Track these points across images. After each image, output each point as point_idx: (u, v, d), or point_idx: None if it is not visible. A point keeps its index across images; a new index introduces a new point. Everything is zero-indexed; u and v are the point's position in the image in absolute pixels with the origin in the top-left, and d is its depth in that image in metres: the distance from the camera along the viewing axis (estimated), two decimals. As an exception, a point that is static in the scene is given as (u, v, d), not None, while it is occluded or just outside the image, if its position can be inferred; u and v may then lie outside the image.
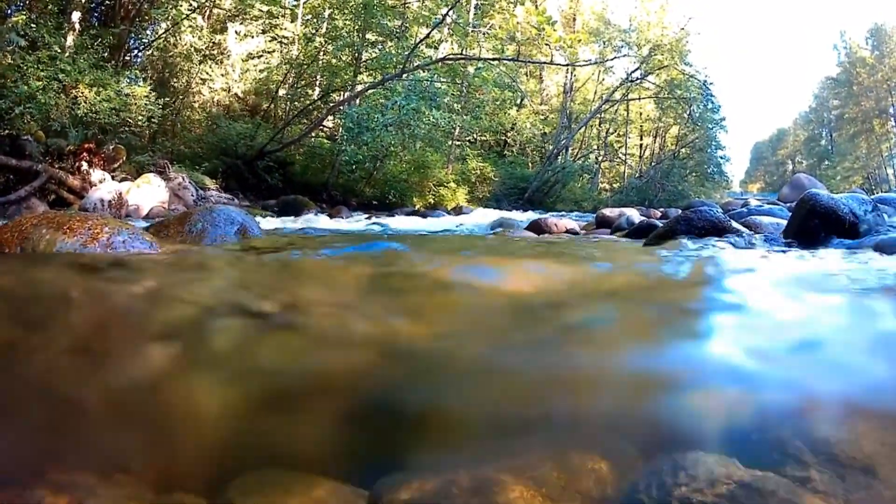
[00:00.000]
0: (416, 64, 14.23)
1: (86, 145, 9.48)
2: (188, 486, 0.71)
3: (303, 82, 17.67)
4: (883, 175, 40.58)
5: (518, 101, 26.18)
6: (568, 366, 1.10)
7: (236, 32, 16.76)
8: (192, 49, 15.20)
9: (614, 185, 29.22)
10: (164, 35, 14.85)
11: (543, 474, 0.76)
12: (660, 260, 2.49)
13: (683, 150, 26.99)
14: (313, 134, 16.52)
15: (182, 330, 1.21)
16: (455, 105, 18.43)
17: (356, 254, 2.83)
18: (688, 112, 25.73)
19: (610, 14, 29.00)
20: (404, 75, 14.04)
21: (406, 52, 13.97)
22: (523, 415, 0.93)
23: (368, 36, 15.81)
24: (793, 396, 0.94)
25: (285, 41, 17.60)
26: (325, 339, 1.21)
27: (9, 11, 9.92)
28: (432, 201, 17.93)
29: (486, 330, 1.31)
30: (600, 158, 28.19)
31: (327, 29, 16.49)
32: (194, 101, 16.30)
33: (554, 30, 17.10)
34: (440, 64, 15.13)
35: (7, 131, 8.72)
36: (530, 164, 26.63)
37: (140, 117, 10.64)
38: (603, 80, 28.08)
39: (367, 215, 11.31)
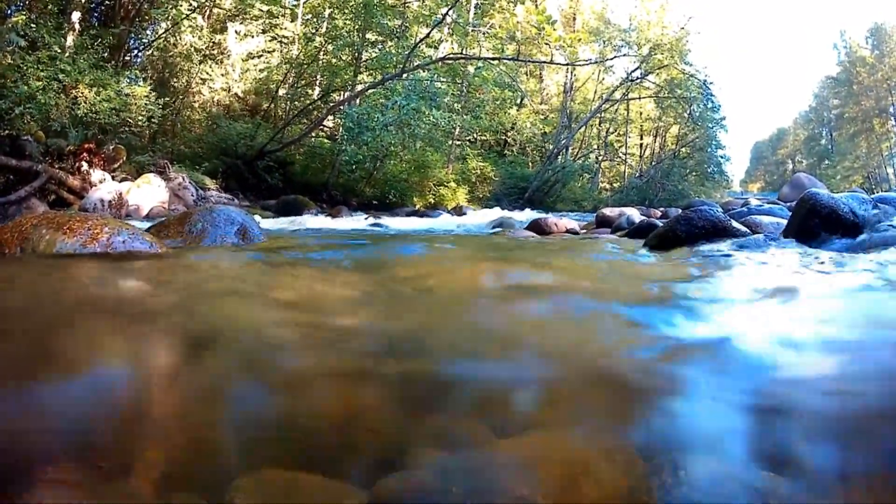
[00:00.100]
0: (416, 63, 14.24)
1: (86, 145, 9.48)
2: (190, 485, 0.71)
3: (303, 82, 17.67)
4: (883, 174, 40.59)
5: (518, 101, 26.18)
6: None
7: (236, 32, 16.77)
8: (192, 49, 15.20)
9: (614, 185, 29.24)
10: (164, 35, 14.86)
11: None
12: (660, 259, 2.49)
13: (683, 149, 26.99)
14: (313, 134, 16.53)
15: (183, 330, 1.21)
16: (455, 105, 18.44)
17: (356, 254, 2.83)
18: (688, 111, 25.72)
19: (610, 13, 29.06)
20: (404, 75, 14.05)
21: (406, 52, 13.97)
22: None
23: (368, 35, 15.81)
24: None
25: (285, 41, 17.60)
26: (329, 341, 1.21)
27: (9, 11, 9.92)
28: (433, 201, 17.94)
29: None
30: (600, 158, 28.19)
31: (327, 28, 16.49)
32: (194, 101, 16.30)
33: (554, 29, 17.11)
34: (440, 63, 15.14)
35: (7, 131, 8.73)
36: (530, 164, 26.63)
37: (140, 117, 10.64)
38: (603, 79, 28.08)
39: (367, 215, 11.31)
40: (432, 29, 14.80)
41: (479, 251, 3.18)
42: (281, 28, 17.55)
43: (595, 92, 27.68)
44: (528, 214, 10.80)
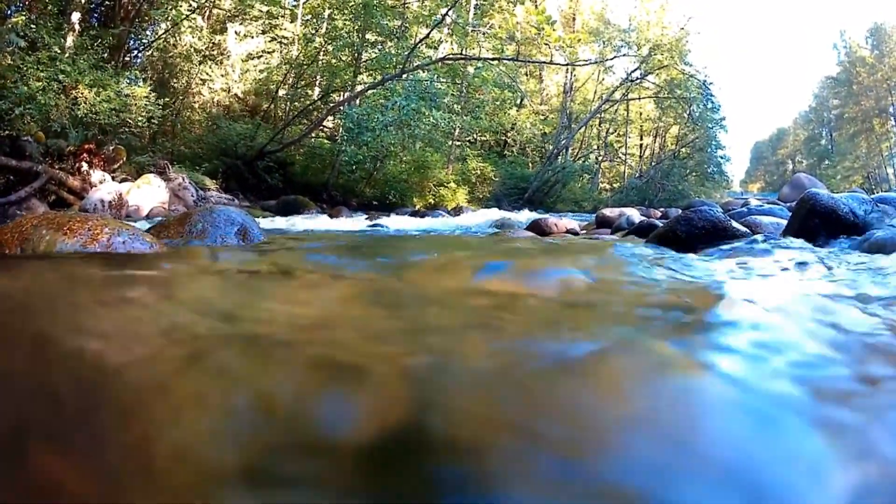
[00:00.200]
0: (415, 64, 14.26)
1: (86, 146, 9.49)
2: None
3: (303, 83, 17.69)
4: (883, 174, 40.64)
5: (518, 101, 26.20)
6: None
7: (236, 33, 16.79)
8: (192, 49, 15.23)
9: (614, 185, 29.27)
10: (163, 35, 14.87)
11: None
12: (659, 259, 2.49)
13: (683, 149, 27.02)
14: (313, 134, 16.55)
15: (185, 331, 1.21)
16: (455, 105, 18.46)
17: (356, 253, 2.84)
18: (688, 112, 25.75)
19: (609, 14, 29.06)
20: (404, 75, 14.06)
21: (406, 53, 13.99)
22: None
23: (368, 36, 15.83)
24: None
25: (285, 41, 17.64)
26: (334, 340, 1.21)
27: (8, 12, 9.93)
28: (432, 201, 17.95)
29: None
30: (600, 158, 28.23)
31: (327, 29, 16.50)
32: (194, 102, 16.33)
33: (553, 29, 17.14)
34: (440, 64, 15.16)
35: (7, 132, 8.74)
36: (530, 165, 26.66)
37: (140, 118, 10.65)
38: (603, 79, 28.11)
39: (367, 215, 11.31)
40: (432, 29, 14.82)
41: (480, 251, 3.18)
42: (281, 29, 17.58)
43: (595, 92, 27.71)
44: (527, 215, 10.80)
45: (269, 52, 17.61)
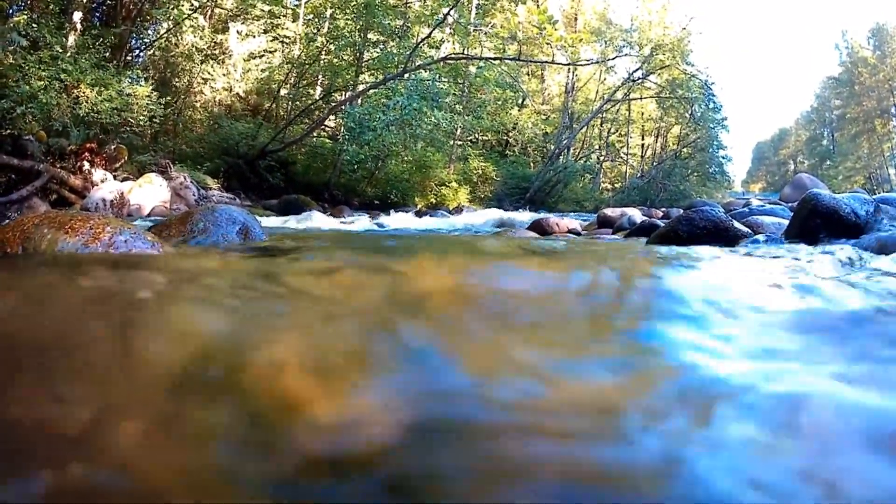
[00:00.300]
0: (417, 63, 14.25)
1: (87, 145, 9.50)
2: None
3: (304, 82, 17.69)
4: (885, 175, 40.54)
5: (520, 101, 26.20)
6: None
7: (238, 32, 16.80)
8: (194, 49, 15.23)
9: (616, 185, 29.24)
10: (165, 35, 14.87)
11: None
12: (660, 259, 2.49)
13: (685, 149, 27.00)
14: (315, 133, 16.55)
15: (188, 331, 1.21)
16: (457, 105, 18.46)
17: (356, 253, 2.84)
18: (689, 112, 25.72)
19: (611, 14, 29.08)
20: (406, 75, 14.06)
21: (408, 52, 13.99)
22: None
23: (370, 36, 15.82)
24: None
25: (287, 41, 17.63)
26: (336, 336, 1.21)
27: (10, 11, 9.94)
28: (434, 201, 17.95)
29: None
30: (602, 158, 28.20)
31: (329, 29, 16.50)
32: (196, 101, 16.34)
33: (555, 29, 17.09)
34: (442, 63, 15.15)
35: (9, 131, 8.74)
36: (532, 164, 26.64)
37: (142, 117, 10.65)
38: (605, 79, 28.09)
39: (368, 215, 11.32)
40: (433, 29, 14.80)
41: (481, 251, 3.18)
42: (283, 28, 17.58)
43: (597, 92, 27.69)
44: (529, 214, 10.80)
45: (270, 52, 17.61)
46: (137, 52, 15.31)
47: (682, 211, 5.06)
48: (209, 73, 15.88)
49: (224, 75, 16.35)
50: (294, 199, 12.31)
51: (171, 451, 0.75)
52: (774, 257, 2.39)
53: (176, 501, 0.66)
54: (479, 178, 21.84)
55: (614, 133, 29.44)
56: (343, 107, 15.21)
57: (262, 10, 17.09)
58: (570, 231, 5.71)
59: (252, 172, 14.63)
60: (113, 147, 10.02)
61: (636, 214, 6.47)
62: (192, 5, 14.56)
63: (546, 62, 23.35)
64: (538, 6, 21.02)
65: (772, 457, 0.74)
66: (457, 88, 18.07)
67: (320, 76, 17.50)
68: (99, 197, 8.75)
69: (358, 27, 15.62)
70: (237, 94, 17.32)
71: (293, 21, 17.60)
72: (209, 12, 16.58)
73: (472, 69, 17.77)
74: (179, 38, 14.95)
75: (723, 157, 27.58)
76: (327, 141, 17.58)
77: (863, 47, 42.93)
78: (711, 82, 25.36)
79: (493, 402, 0.90)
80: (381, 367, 1.03)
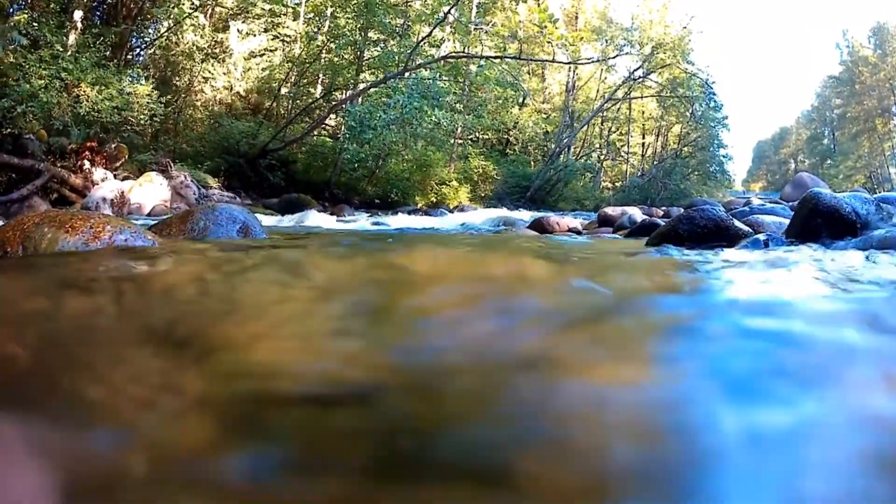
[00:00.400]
0: (418, 62, 14.25)
1: (88, 144, 9.50)
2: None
3: (305, 81, 17.69)
4: (885, 174, 40.50)
5: (520, 100, 26.19)
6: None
7: (238, 31, 16.80)
8: (195, 47, 15.24)
9: (616, 184, 29.25)
10: (166, 34, 14.88)
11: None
12: (660, 258, 2.49)
13: (686, 148, 27.00)
14: (315, 132, 16.55)
15: (189, 330, 1.21)
16: (457, 104, 18.45)
17: (356, 252, 2.84)
18: (690, 111, 25.73)
19: (612, 12, 29.09)
20: (406, 74, 14.05)
21: (408, 51, 13.98)
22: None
23: (371, 34, 15.81)
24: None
25: (287, 39, 17.64)
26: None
27: (11, 10, 9.94)
28: (434, 200, 17.96)
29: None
30: (602, 157, 28.22)
31: (329, 27, 16.50)
32: (196, 100, 16.34)
33: (556, 28, 17.08)
34: (442, 62, 15.14)
35: (9, 130, 8.75)
36: (532, 163, 26.64)
37: (142, 116, 10.66)
38: (605, 78, 28.09)
39: (369, 214, 11.32)
40: (434, 28, 14.80)
41: (481, 251, 3.18)
42: (283, 27, 17.59)
43: (597, 91, 27.69)
44: (530, 213, 10.80)
45: (271, 51, 17.62)
46: (138, 50, 15.33)
47: (682, 210, 5.06)
48: (210, 72, 15.89)
49: (224, 74, 16.36)
50: (295, 197, 12.32)
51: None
52: (773, 256, 2.39)
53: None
54: (480, 176, 21.84)
55: (615, 132, 29.46)
56: (343, 105, 15.21)
57: (263, 9, 17.10)
58: (570, 230, 5.72)
59: (252, 171, 14.63)
60: (113, 146, 10.02)
61: (637, 213, 6.47)
62: (192, 4, 14.56)
63: (547, 61, 23.35)
64: (539, 5, 20.96)
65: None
66: (457, 87, 18.07)
67: (321, 75, 17.50)
68: (99, 196, 8.76)
69: (358, 26, 15.61)
70: (238, 92, 17.32)
71: (294, 20, 17.61)
72: (210, 11, 16.59)
73: (473, 68, 17.77)
74: (180, 36, 14.95)
75: (723, 156, 27.63)
76: (328, 140, 17.58)
77: (863, 46, 42.88)
78: (712, 81, 25.41)
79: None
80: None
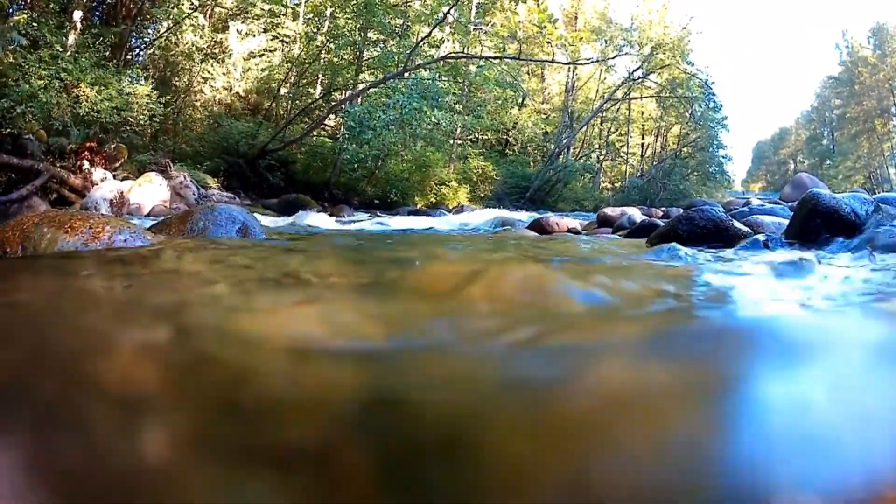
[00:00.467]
0: (417, 63, 14.25)
1: (87, 144, 9.50)
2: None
3: (304, 81, 17.70)
4: (885, 174, 40.52)
5: (520, 100, 26.20)
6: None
7: (238, 31, 16.80)
8: (194, 48, 15.24)
9: (616, 185, 29.25)
10: (165, 34, 14.89)
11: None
12: (659, 257, 2.49)
13: (685, 149, 27.00)
14: (315, 133, 16.55)
15: (192, 329, 1.21)
16: (457, 104, 18.46)
17: (356, 252, 2.84)
18: (689, 111, 25.74)
19: (612, 13, 29.10)
20: (406, 74, 14.06)
21: (407, 51, 13.99)
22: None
23: (370, 35, 15.82)
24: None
25: (287, 40, 17.65)
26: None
27: (10, 10, 9.93)
28: (434, 200, 17.96)
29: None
30: (602, 157, 28.22)
31: (329, 28, 16.50)
32: (196, 100, 16.34)
33: (555, 28, 17.10)
34: (442, 63, 15.14)
35: (9, 130, 8.74)
36: (532, 163, 26.64)
37: (142, 116, 10.65)
38: (605, 78, 28.10)
39: (368, 214, 11.32)
40: (433, 28, 14.80)
41: (481, 250, 3.18)
42: (282, 27, 17.60)
43: (597, 91, 27.70)
44: (529, 214, 10.80)
45: (270, 51, 17.63)
46: (137, 51, 15.32)
47: (681, 210, 5.06)
48: (209, 72, 15.90)
49: (224, 74, 16.36)
50: (294, 198, 12.32)
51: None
52: (774, 255, 2.39)
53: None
54: (479, 177, 21.84)
55: (614, 132, 29.46)
56: (343, 106, 15.21)
57: (262, 9, 17.11)
58: (569, 230, 5.71)
59: (252, 171, 14.63)
60: (113, 146, 10.02)
61: (636, 214, 6.48)
62: (192, 4, 14.56)
63: (546, 61, 23.34)
64: (538, 5, 20.98)
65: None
66: (457, 87, 18.08)
67: (320, 75, 17.50)
68: (99, 196, 8.75)
69: (358, 26, 15.61)
70: (237, 93, 17.32)
71: (293, 20, 17.62)
72: (209, 11, 16.59)
73: (472, 68, 17.77)
74: (179, 37, 14.96)
75: (723, 157, 27.59)
76: (327, 140, 17.58)
77: (863, 47, 42.92)
78: (711, 81, 25.41)
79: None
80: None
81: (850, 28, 69.07)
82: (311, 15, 17.77)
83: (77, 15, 11.13)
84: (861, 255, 2.31)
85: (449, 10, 15.04)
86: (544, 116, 27.14)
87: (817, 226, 2.90)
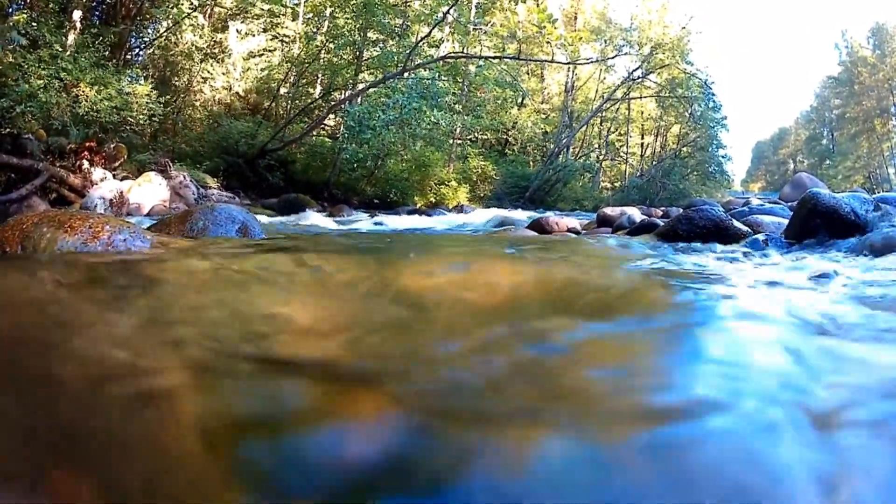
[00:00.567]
0: (417, 62, 14.23)
1: (87, 144, 9.49)
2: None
3: (304, 81, 17.68)
4: (884, 174, 40.51)
5: (519, 100, 26.16)
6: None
7: (237, 31, 16.78)
8: (194, 47, 15.22)
9: (615, 184, 29.22)
10: (165, 34, 14.86)
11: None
12: (659, 257, 2.49)
13: (685, 149, 26.96)
14: (314, 132, 16.53)
15: (191, 329, 1.21)
16: (456, 104, 18.44)
17: (356, 251, 2.84)
18: (689, 111, 25.71)
19: (611, 12, 29.07)
20: (405, 74, 14.04)
21: (407, 51, 13.97)
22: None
23: (370, 34, 15.79)
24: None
25: (287, 40, 17.63)
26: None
27: (10, 10, 9.91)
28: (434, 200, 17.94)
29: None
30: (601, 157, 28.19)
31: (328, 27, 16.49)
32: (195, 100, 16.32)
33: (555, 28, 17.08)
34: (441, 62, 15.12)
35: (8, 130, 8.72)
36: (531, 163, 26.61)
37: (141, 116, 10.63)
38: (604, 78, 28.08)
39: (368, 214, 11.32)
40: (433, 28, 14.79)
41: (482, 250, 3.18)
42: (282, 27, 17.58)
43: (596, 91, 27.68)
44: (529, 213, 10.80)
45: (270, 51, 17.60)
46: (137, 50, 15.29)
47: (681, 210, 5.05)
48: (209, 72, 15.88)
49: (223, 74, 16.34)
50: (293, 197, 12.30)
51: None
52: (773, 256, 2.39)
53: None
54: (479, 177, 21.82)
55: (614, 132, 29.44)
56: (342, 106, 15.19)
57: (262, 9, 17.09)
58: (569, 230, 5.70)
59: (251, 171, 14.61)
60: (112, 146, 10.00)
61: (636, 213, 6.46)
62: (191, 4, 14.53)
63: (546, 61, 23.30)
64: (538, 5, 21.01)
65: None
66: (456, 87, 18.06)
67: (320, 75, 17.48)
68: (98, 196, 8.75)
69: (357, 26, 15.58)
70: (237, 92, 17.30)
71: (293, 20, 17.59)
72: (209, 11, 16.56)
73: (472, 68, 17.76)
74: (179, 36, 14.94)
75: (722, 157, 27.53)
76: (327, 140, 17.56)
77: (862, 47, 42.91)
78: (711, 81, 25.37)
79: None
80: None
81: (849, 28, 69.15)
82: (311, 15, 17.75)
83: (76, 15, 11.11)
84: (861, 254, 2.31)
85: (448, 10, 15.02)
86: (544, 116, 27.12)
87: (817, 225, 2.91)
